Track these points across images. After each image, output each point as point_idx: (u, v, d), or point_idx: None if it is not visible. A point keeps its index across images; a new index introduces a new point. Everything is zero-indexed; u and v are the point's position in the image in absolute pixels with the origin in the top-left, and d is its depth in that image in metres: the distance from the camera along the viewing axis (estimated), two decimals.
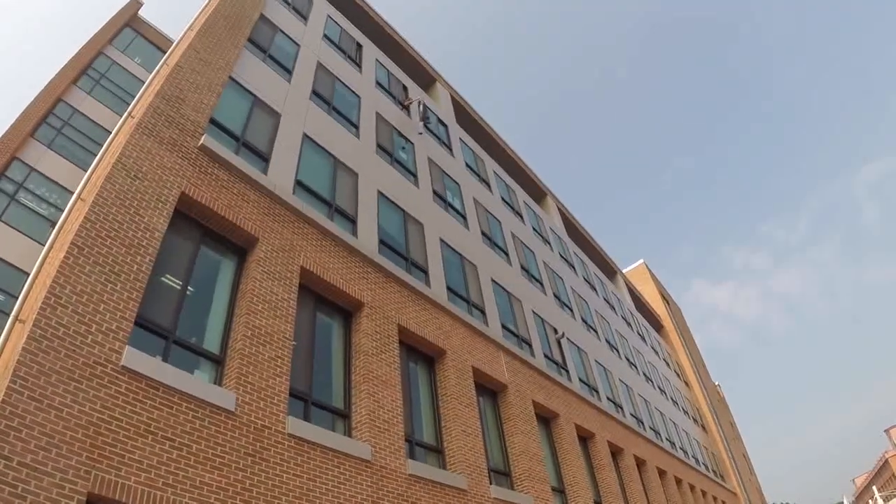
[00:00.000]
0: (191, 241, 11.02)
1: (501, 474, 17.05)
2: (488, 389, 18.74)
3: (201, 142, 11.83)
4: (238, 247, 11.92)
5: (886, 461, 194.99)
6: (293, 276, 12.34)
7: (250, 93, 15.02)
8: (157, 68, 14.52)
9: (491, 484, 15.54)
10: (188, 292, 10.50)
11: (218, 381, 9.99)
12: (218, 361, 10.22)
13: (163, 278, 10.11)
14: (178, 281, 10.38)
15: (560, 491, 20.06)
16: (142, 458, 7.77)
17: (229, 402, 9.38)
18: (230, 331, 10.68)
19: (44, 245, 10.27)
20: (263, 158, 13.95)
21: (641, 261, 74.03)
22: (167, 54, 14.76)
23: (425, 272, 18.04)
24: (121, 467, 7.48)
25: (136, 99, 12.91)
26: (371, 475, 11.61)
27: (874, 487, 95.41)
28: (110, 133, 12.68)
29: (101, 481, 7.20)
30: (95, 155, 11.43)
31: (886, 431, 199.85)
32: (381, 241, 16.49)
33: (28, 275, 9.79)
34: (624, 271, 59.33)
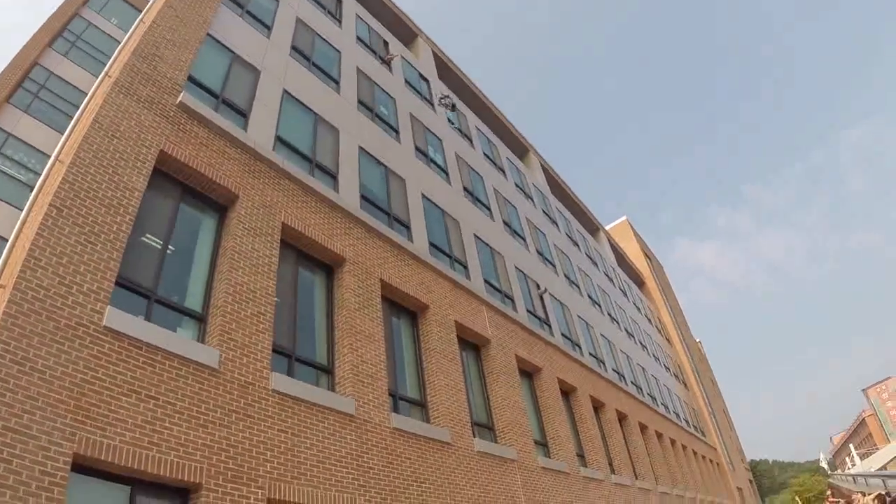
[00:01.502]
0: (171, 200, 10.96)
1: (485, 428, 17.26)
2: (471, 344, 18.92)
3: (179, 99, 11.70)
4: (219, 204, 11.87)
5: (864, 420, 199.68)
6: (275, 233, 12.34)
7: (229, 49, 14.83)
8: (133, 27, 14.30)
9: (474, 437, 15.75)
10: (169, 251, 10.48)
11: (201, 338, 10.04)
12: (200, 319, 10.26)
13: (143, 237, 10.08)
14: (158, 240, 10.36)
15: (543, 444, 20.35)
16: (126, 418, 7.83)
17: (213, 359, 9.43)
18: (212, 288, 10.70)
19: (22, 211, 10.21)
20: (243, 115, 13.83)
21: (624, 217, 74.21)
22: (143, 12, 14.52)
23: (408, 227, 18.07)
24: (106, 427, 7.54)
25: (112, 58, 12.72)
26: (355, 429, 11.74)
27: (851, 445, 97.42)
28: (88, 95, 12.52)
29: (87, 442, 7.26)
30: (73, 118, 11.26)
31: (864, 391, 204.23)
32: (363, 197, 16.46)
33: (7, 241, 9.71)
34: (606, 228, 59.43)
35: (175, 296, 10.19)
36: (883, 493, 14.35)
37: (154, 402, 8.27)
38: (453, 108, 26.28)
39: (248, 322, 10.52)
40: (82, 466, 7.31)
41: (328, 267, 14.08)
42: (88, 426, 7.37)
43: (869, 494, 15.01)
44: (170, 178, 11.06)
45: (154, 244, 10.28)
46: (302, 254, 13.50)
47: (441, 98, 26.39)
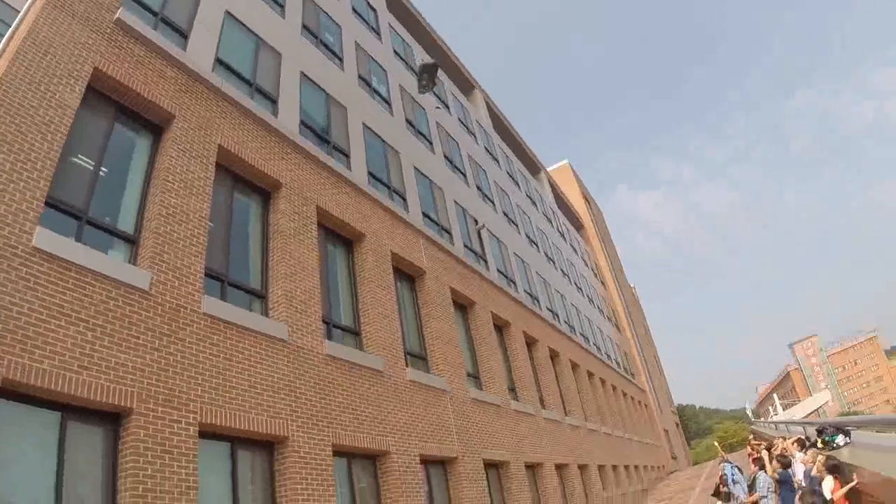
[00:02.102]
0: (104, 119, 10.70)
1: (418, 358, 17.61)
2: (406, 275, 19.17)
3: (116, 16, 11.30)
4: (154, 124, 11.63)
5: (788, 374, 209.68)
6: (210, 155, 12.21)
7: None
8: None
9: (407, 367, 16.08)
10: (102, 171, 10.32)
11: (132, 260, 10.00)
12: (132, 241, 10.21)
13: (75, 157, 9.89)
14: (90, 160, 10.17)
15: (475, 377, 20.81)
16: (56, 341, 7.82)
17: (144, 281, 9.44)
18: (145, 210, 10.61)
19: None
20: (182, 35, 13.45)
21: (566, 161, 74.37)
22: None
23: (347, 156, 17.98)
24: (35, 351, 7.52)
25: None
26: (287, 355, 11.89)
27: (775, 395, 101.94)
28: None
29: (15, 366, 7.24)
30: (4, 36, 10.69)
31: (791, 346, 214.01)
32: (303, 123, 16.30)
33: None
34: (548, 170, 59.60)
35: (107, 217, 10.10)
36: (802, 437, 15.29)
37: (84, 325, 8.27)
38: (432, 86, 25.03)
39: (180, 244, 10.50)
40: (11, 392, 7.33)
41: (264, 192, 14.02)
42: (17, 350, 7.34)
43: (789, 439, 15.93)
44: (104, 96, 10.76)
45: (86, 164, 10.10)
46: (237, 177, 13.39)
47: (422, 80, 25.02)
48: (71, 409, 7.98)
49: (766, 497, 14.33)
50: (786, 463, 13.73)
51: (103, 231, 9.86)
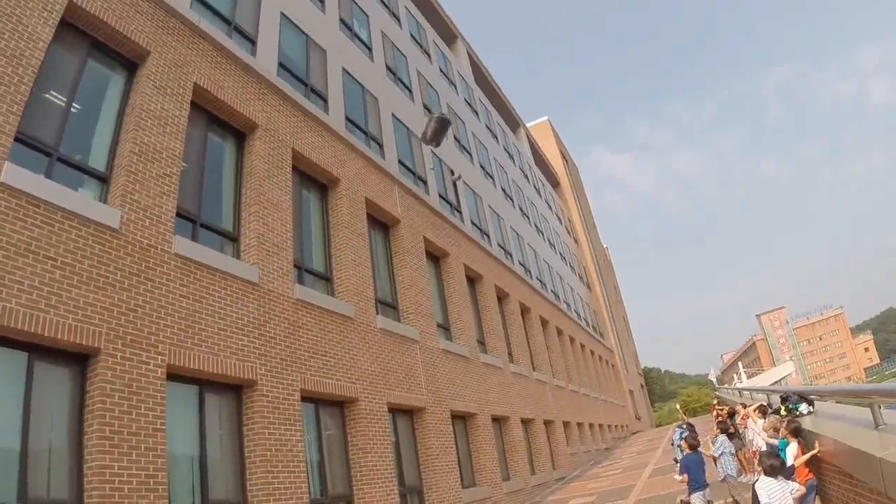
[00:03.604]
0: (78, 54, 10.37)
1: (388, 306, 17.65)
2: (380, 222, 19.12)
3: None
4: (128, 60, 11.31)
5: (754, 343, 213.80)
6: (185, 93, 11.96)
7: None
8: None
9: (378, 314, 16.08)
10: (74, 107, 10.07)
11: (103, 198, 9.85)
12: (103, 179, 10.04)
13: (46, 92, 9.61)
14: (62, 95, 9.91)
15: (445, 328, 20.90)
16: (23, 279, 7.70)
17: (114, 219, 9.31)
18: (117, 148, 10.40)
19: None
20: None
21: (545, 117, 73.98)
22: None
23: (325, 100, 17.76)
24: (1, 289, 7.41)
25: None
26: (258, 298, 11.85)
27: (740, 364, 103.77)
28: None
29: None
30: None
31: (758, 317, 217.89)
32: (281, 65, 16.03)
33: None
34: (528, 125, 59.15)
35: (78, 154, 9.90)
36: (764, 404, 15.57)
37: (52, 263, 8.16)
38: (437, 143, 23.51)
39: (152, 183, 10.33)
40: None
41: (239, 133, 13.83)
42: None
43: (750, 405, 16.34)
44: (78, 30, 10.40)
45: (58, 100, 9.83)
46: (213, 117, 13.17)
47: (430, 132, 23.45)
48: (38, 350, 7.92)
49: (724, 455, 14.36)
50: (693, 444, 13.09)
51: (74, 168, 9.68)
